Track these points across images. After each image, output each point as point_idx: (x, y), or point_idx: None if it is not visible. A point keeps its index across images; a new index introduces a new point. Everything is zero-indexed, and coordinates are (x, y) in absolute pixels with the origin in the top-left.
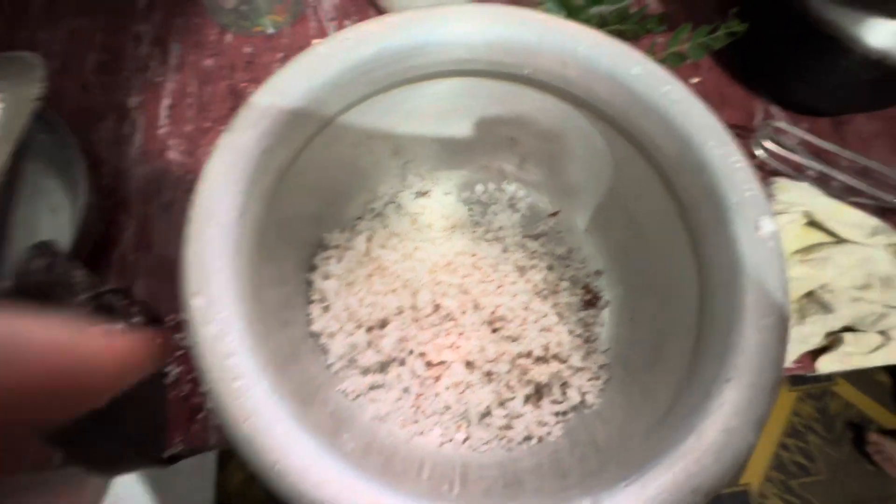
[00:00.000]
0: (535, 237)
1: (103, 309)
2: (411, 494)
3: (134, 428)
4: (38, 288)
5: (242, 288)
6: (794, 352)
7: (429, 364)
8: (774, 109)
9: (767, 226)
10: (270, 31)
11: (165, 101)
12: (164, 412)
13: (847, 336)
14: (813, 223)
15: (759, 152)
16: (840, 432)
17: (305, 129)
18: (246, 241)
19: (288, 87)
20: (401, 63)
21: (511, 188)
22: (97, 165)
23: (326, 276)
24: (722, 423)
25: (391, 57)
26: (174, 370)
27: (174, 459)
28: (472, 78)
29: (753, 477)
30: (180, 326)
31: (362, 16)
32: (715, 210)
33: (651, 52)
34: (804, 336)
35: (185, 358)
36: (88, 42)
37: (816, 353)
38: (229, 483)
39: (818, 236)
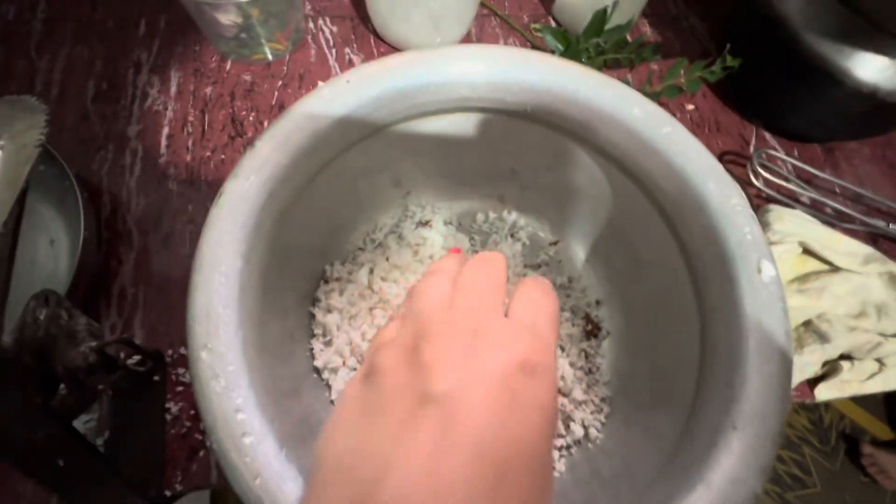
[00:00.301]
0: (536, 266)
1: (107, 359)
2: None
3: (132, 469)
4: (43, 340)
5: (248, 336)
6: (792, 381)
7: None
8: (767, 135)
9: (768, 269)
10: (270, 58)
11: (165, 130)
12: (162, 451)
13: (844, 364)
14: (808, 251)
15: (754, 181)
16: (834, 444)
17: (308, 170)
18: (251, 286)
19: (292, 131)
20: (403, 103)
21: (511, 217)
22: (96, 196)
23: (328, 310)
24: (729, 474)
25: (393, 97)
26: (174, 407)
27: (174, 498)
28: (474, 113)
29: None
30: (180, 362)
31: (362, 43)
32: (715, 250)
33: (648, 82)
34: (802, 365)
35: (186, 395)
36: (87, 70)
37: (814, 381)
38: (224, 501)
39: (813, 264)
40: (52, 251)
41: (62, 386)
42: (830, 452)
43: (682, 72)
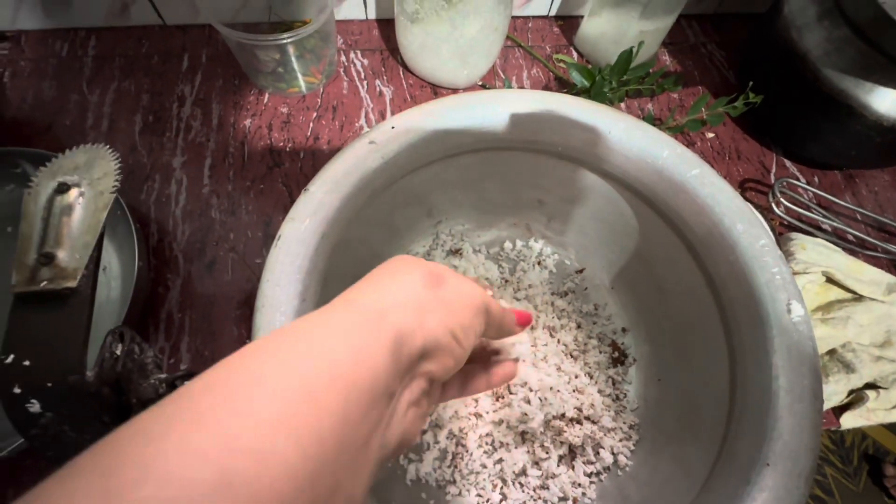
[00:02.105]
0: (563, 294)
1: (174, 390)
2: None
3: None
4: (120, 374)
5: None
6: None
7: (461, 430)
8: (787, 163)
9: (798, 310)
10: (305, 91)
11: (207, 161)
12: None
13: (870, 393)
14: (831, 280)
15: (776, 209)
16: (857, 465)
17: (355, 208)
18: None
19: (342, 175)
20: (443, 144)
21: (538, 245)
22: (144, 224)
23: None
24: None
25: (434, 140)
26: None
27: None
28: (506, 151)
29: None
30: None
31: (391, 75)
32: (745, 289)
33: (672, 118)
34: (827, 394)
35: None
36: (135, 104)
37: (839, 409)
38: None
39: (837, 293)
40: (104, 278)
41: (133, 414)
42: (853, 473)
43: (705, 107)
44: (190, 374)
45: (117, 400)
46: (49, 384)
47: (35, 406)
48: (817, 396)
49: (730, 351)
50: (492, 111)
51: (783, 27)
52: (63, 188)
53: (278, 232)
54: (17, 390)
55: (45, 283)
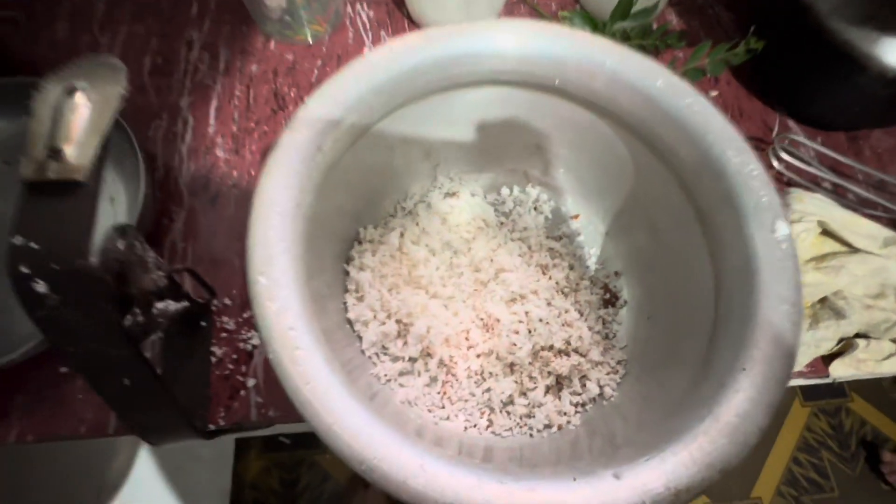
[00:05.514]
0: (558, 238)
1: (174, 285)
2: (444, 458)
3: (182, 401)
4: (122, 265)
5: (297, 271)
6: (807, 356)
7: (451, 358)
8: (791, 123)
9: (782, 228)
10: (311, 41)
11: (213, 103)
12: (208, 389)
13: (860, 342)
14: (827, 232)
15: (775, 164)
16: (855, 450)
17: (352, 130)
18: (300, 230)
19: (340, 91)
20: (440, 72)
21: (535, 192)
22: (151, 160)
23: (361, 268)
24: (736, 408)
25: (431, 66)
26: (218, 351)
27: (215, 434)
28: (504, 87)
29: (765, 490)
30: (225, 311)
31: (396, 27)
32: (732, 214)
33: (672, 67)
34: (817, 340)
35: (228, 341)
36: (144, 47)
37: (829, 359)
38: (246, 472)
39: (832, 245)
40: (112, 209)
41: (135, 310)
42: (850, 458)
43: (705, 54)
44: (187, 270)
45: (118, 290)
46: (55, 266)
47: (41, 286)
48: (796, 307)
49: (716, 279)
50: (491, 39)
51: None
52: (71, 91)
53: (276, 140)
54: (24, 269)
55: (52, 174)
